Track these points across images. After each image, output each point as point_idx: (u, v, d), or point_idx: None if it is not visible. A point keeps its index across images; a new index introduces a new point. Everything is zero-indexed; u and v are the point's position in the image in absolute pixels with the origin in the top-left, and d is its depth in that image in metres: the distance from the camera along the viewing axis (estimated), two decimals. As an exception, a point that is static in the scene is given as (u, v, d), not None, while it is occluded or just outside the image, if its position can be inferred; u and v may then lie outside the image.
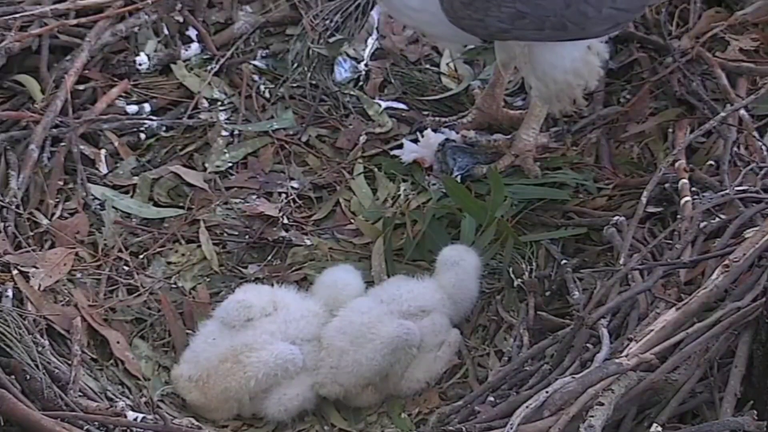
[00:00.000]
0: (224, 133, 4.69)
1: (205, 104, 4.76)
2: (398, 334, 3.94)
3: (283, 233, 4.43)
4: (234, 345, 3.95)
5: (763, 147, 4.27)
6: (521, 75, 4.58)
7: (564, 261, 4.14)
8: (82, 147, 4.53)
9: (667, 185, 4.19)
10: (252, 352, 3.94)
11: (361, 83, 4.83)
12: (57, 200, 4.40)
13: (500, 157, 4.45)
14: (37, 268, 4.12)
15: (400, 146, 4.61)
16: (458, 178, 4.40)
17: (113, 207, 4.44)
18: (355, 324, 3.97)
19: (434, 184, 4.49)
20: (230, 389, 3.93)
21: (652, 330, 3.52)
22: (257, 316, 4.01)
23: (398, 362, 3.97)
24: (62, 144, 4.50)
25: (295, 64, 4.85)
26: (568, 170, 4.43)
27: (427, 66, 4.89)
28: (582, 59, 4.24)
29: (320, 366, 3.96)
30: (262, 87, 4.83)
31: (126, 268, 4.31)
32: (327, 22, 4.89)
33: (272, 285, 4.16)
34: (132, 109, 4.71)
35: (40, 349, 3.80)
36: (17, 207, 4.27)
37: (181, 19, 4.89)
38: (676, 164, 4.21)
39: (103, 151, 4.59)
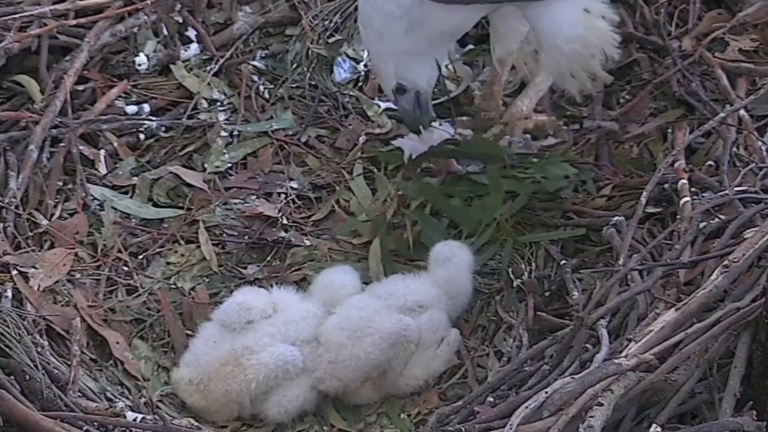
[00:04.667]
0: (223, 133, 4.69)
1: (205, 105, 4.76)
2: (397, 330, 3.94)
3: (283, 234, 4.43)
4: (234, 347, 3.95)
5: (763, 147, 4.27)
6: (520, 73, 4.59)
7: (563, 261, 4.14)
8: (81, 147, 4.53)
9: (666, 185, 4.18)
10: (252, 354, 3.94)
11: (360, 84, 4.83)
12: (56, 201, 4.40)
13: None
14: (36, 268, 4.12)
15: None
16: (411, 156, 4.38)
17: (112, 207, 4.44)
18: (352, 319, 3.97)
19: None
20: (231, 392, 3.93)
21: (651, 330, 3.52)
22: (257, 318, 4.00)
23: (396, 358, 3.96)
24: (61, 144, 4.50)
25: (295, 65, 4.85)
26: (567, 166, 4.41)
27: (427, 67, 4.88)
28: (582, 24, 4.09)
29: (318, 362, 3.96)
30: (261, 87, 4.83)
31: (125, 268, 4.31)
32: (326, 22, 4.89)
33: (271, 286, 4.16)
34: (131, 109, 4.72)
35: (39, 349, 3.81)
36: (17, 207, 4.27)
37: (180, 20, 4.89)
38: (676, 164, 4.20)
39: (102, 152, 4.59)
